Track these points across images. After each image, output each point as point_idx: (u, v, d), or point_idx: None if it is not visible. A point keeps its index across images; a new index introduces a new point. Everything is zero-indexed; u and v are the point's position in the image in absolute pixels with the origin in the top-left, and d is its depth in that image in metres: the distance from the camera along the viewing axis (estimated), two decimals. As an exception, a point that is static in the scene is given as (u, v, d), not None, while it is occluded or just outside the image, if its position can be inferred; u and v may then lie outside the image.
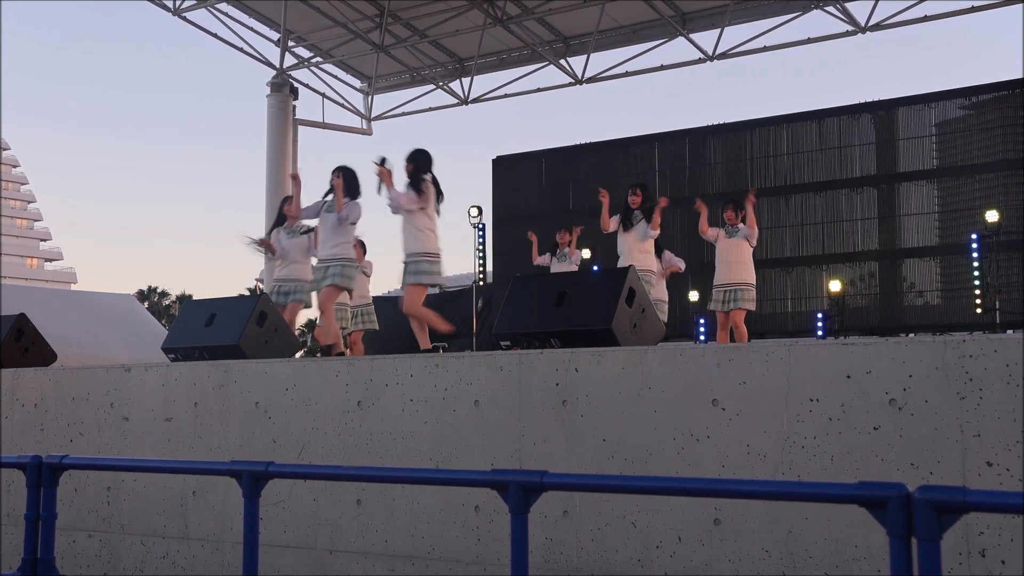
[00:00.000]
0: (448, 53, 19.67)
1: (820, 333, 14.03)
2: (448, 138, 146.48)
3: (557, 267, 10.41)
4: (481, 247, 17.19)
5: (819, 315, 14.30)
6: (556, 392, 4.91)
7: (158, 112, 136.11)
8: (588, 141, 17.30)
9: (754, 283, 9.52)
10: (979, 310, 13.02)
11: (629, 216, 9.07)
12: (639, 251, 8.97)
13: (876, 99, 14.86)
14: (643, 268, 8.79)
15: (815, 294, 14.86)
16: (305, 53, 19.77)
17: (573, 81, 18.99)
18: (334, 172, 8.02)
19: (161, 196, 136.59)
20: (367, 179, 7.91)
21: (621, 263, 8.98)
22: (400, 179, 7.63)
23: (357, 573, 5.35)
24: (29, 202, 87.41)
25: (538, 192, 17.28)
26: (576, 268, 10.40)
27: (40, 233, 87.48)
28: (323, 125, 20.22)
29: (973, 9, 15.46)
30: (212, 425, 6.07)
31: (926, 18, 15.90)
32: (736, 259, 9.47)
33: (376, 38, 18.64)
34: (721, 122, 16.08)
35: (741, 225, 9.43)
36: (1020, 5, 15.22)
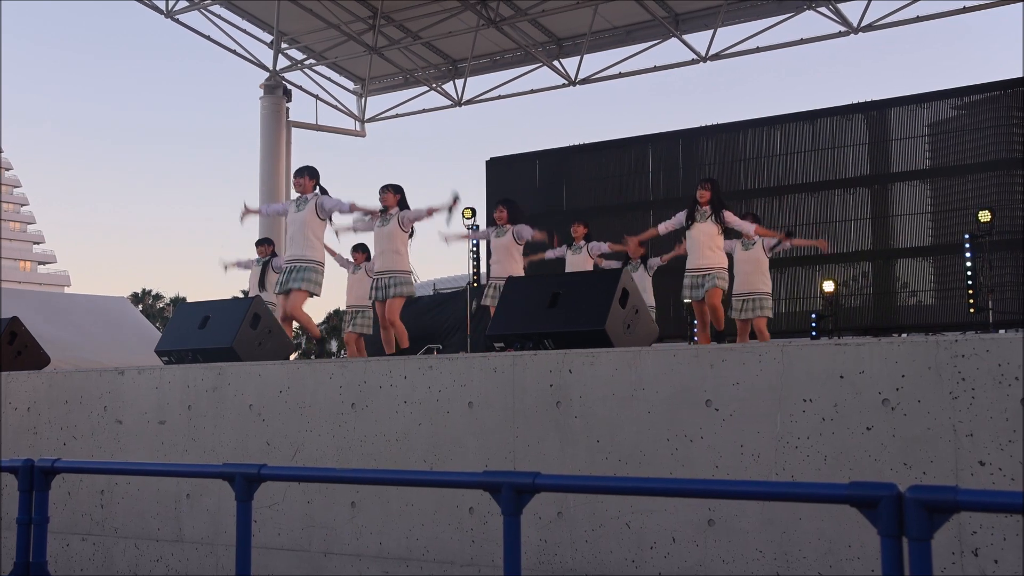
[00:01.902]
0: (441, 55, 19.66)
1: (813, 333, 14.05)
2: (442, 140, 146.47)
3: (572, 259, 10.38)
4: (475, 249, 17.19)
5: (812, 315, 14.32)
6: (550, 393, 4.91)
7: (151, 114, 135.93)
8: (582, 142, 17.30)
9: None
10: (972, 310, 13.05)
11: (693, 211, 8.84)
12: (709, 247, 8.79)
13: (869, 99, 14.88)
14: (715, 265, 8.75)
15: (808, 294, 14.88)
16: (298, 55, 19.76)
17: (566, 82, 19.00)
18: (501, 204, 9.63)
19: (155, 199, 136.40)
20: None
21: (691, 261, 8.84)
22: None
23: (351, 575, 5.35)
24: (22, 205, 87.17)
25: (532, 193, 17.27)
26: (593, 261, 10.34)
27: (33, 236, 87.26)
28: (316, 127, 20.21)
29: (965, 10, 15.51)
30: (206, 428, 6.06)
31: (918, 18, 15.95)
32: (756, 269, 9.64)
33: (369, 40, 18.63)
34: (714, 123, 16.09)
35: (756, 237, 9.55)
36: (1013, 5, 15.27)
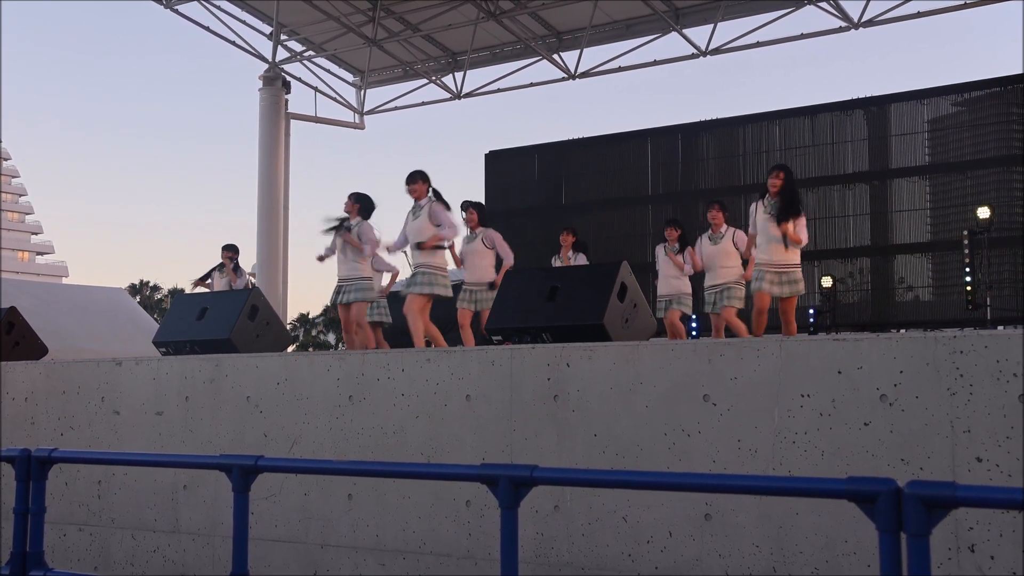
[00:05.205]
0: (441, 47, 19.62)
1: (811, 329, 14.05)
2: (441, 132, 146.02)
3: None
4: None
5: (811, 311, 14.32)
6: (548, 387, 4.90)
7: (150, 105, 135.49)
8: (581, 136, 17.31)
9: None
10: (970, 306, 13.06)
11: (762, 201, 8.11)
12: (776, 243, 7.88)
13: (869, 95, 14.89)
14: (789, 264, 7.94)
15: (807, 289, 14.87)
16: (297, 47, 19.70)
17: (566, 76, 18.95)
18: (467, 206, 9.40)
19: (153, 190, 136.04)
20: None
21: (760, 256, 8.00)
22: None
23: (348, 567, 5.35)
24: (20, 195, 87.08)
25: (531, 187, 17.28)
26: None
27: (31, 226, 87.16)
28: (316, 119, 20.14)
29: (966, 5, 15.47)
30: (203, 419, 6.06)
31: (919, 14, 15.89)
32: (724, 262, 9.42)
33: (369, 32, 18.59)
34: (714, 117, 16.09)
35: (724, 228, 9.34)
36: (1014, 1, 15.25)
